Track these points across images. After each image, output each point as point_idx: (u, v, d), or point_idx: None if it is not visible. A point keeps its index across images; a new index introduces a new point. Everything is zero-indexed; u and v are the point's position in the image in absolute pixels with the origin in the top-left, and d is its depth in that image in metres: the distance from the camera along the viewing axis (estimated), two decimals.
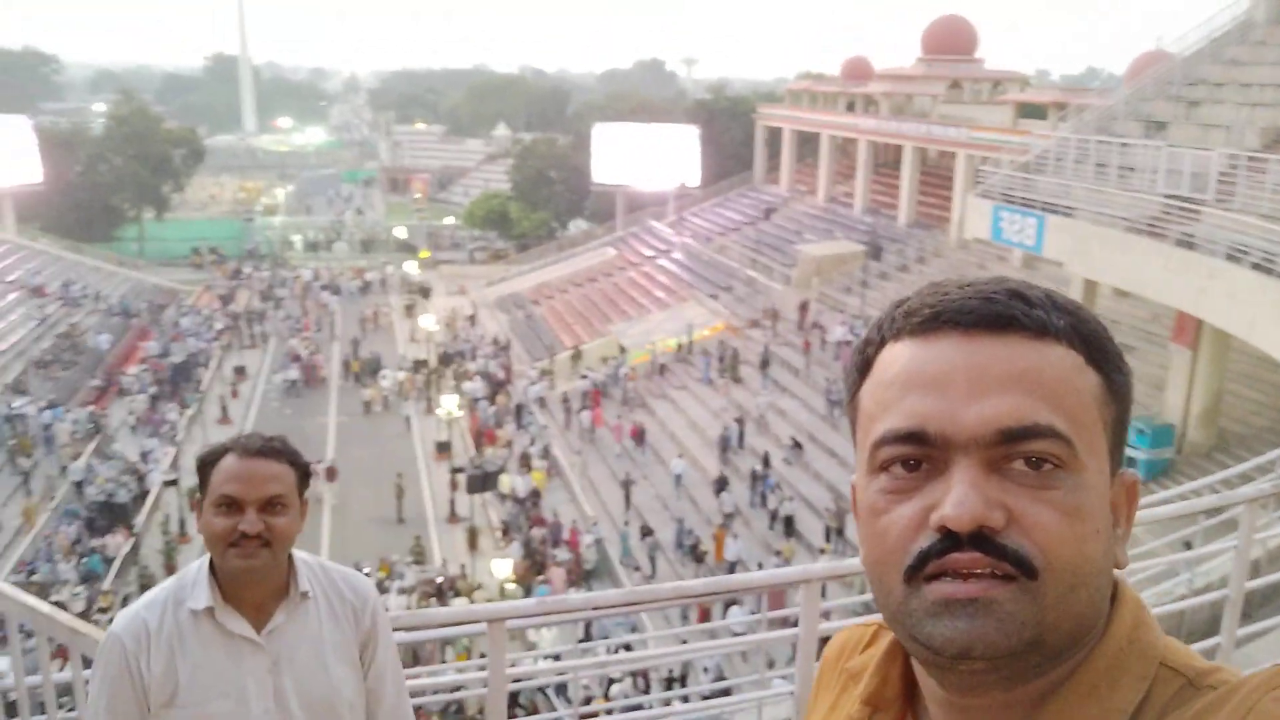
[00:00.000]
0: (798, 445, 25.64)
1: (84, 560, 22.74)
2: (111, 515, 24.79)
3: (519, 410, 32.45)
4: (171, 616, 2.13)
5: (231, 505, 2.07)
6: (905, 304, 0.85)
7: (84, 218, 55.13)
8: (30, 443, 27.58)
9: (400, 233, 64.28)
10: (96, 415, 30.78)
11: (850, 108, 46.67)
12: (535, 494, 26.41)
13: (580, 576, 22.34)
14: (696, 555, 22.35)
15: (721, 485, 24.36)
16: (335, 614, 2.26)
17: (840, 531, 21.41)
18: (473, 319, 45.04)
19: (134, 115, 60.34)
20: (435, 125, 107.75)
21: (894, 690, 0.91)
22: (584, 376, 33.94)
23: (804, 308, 33.50)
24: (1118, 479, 0.83)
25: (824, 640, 3.38)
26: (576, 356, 37.00)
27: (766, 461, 24.99)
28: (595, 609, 4.23)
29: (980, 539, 0.74)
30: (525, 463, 28.03)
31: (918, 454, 0.79)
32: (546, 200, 61.12)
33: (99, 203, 56.39)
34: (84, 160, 56.40)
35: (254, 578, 2.13)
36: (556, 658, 13.15)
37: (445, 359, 37.44)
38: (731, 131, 55.74)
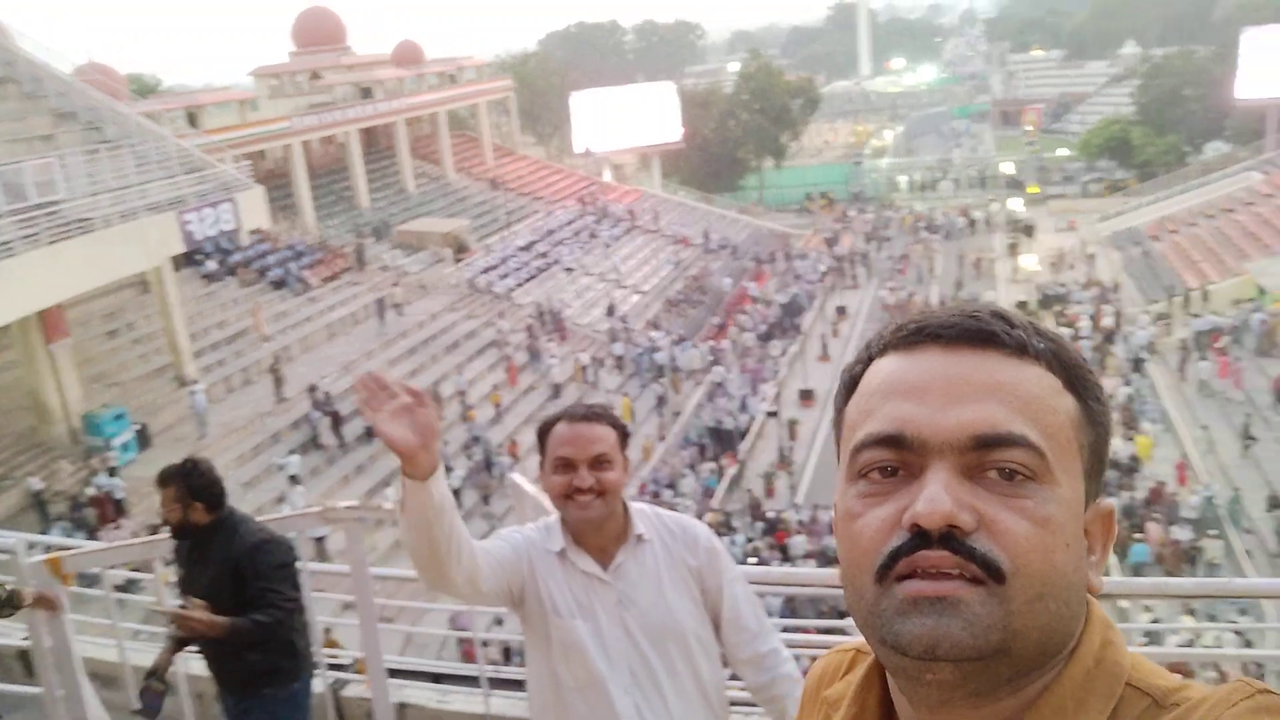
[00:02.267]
0: None
1: (705, 478, 25.65)
2: (720, 441, 27.71)
3: (1136, 362, 29.57)
4: (542, 550, 2.54)
5: (567, 465, 2.41)
6: (894, 323, 0.88)
7: (714, 170, 61.34)
8: (677, 380, 31.43)
9: (1007, 168, 61.82)
10: (715, 349, 34.46)
11: None
12: (1134, 460, 23.97)
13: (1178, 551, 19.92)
14: None
15: None
16: (670, 554, 2.53)
17: None
18: (1091, 258, 41.88)
19: (759, 71, 65.28)
20: (1054, 50, 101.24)
21: (871, 718, 0.91)
22: (1196, 315, 30.19)
23: None
24: (1094, 507, 0.85)
25: None
26: (1203, 298, 32.82)
27: None
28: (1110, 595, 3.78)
29: (949, 539, 0.76)
30: (1130, 424, 25.53)
31: (895, 459, 0.81)
32: (1177, 122, 54.61)
33: (727, 155, 62.23)
34: (716, 117, 62.53)
35: (592, 525, 2.46)
36: None
37: (1045, 301, 35.53)
38: None
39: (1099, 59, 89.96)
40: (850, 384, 0.89)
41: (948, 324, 0.83)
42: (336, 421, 23.54)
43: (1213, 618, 15.28)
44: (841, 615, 16.21)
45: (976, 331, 0.82)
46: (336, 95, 47.36)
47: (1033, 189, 56.80)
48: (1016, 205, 51.80)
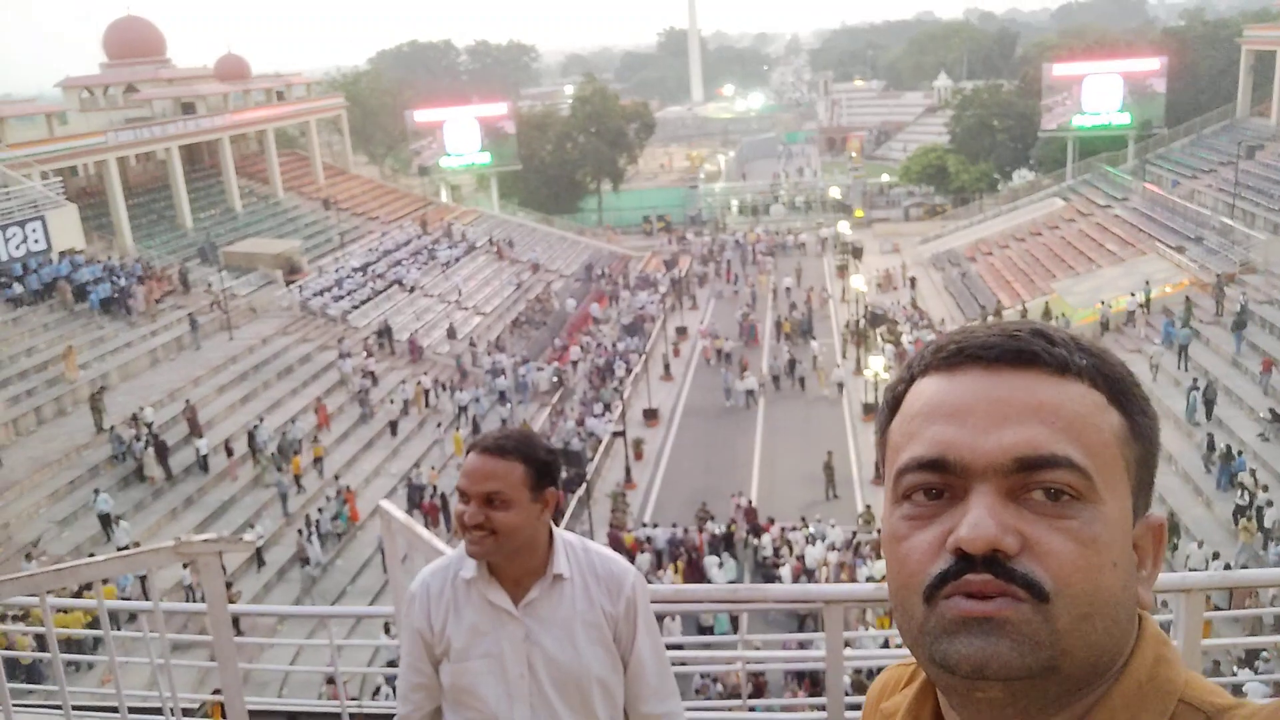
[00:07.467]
0: (1278, 419, 22.31)
1: None
2: (567, 461, 27.65)
3: None
4: (450, 582, 2.39)
5: (463, 496, 2.29)
6: (935, 343, 0.88)
7: (553, 192, 61.41)
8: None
9: (835, 192, 64.35)
10: (560, 370, 34.41)
11: None
12: None
13: None
14: None
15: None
16: (590, 595, 2.38)
17: None
18: (914, 281, 44.01)
19: (595, 95, 65.88)
20: (873, 81, 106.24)
21: None
22: None
23: None
24: (1143, 521, 0.84)
25: None
26: (1021, 316, 34.97)
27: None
28: None
29: (993, 563, 0.76)
30: None
31: (939, 482, 0.81)
32: (988, 151, 58.10)
33: (565, 177, 62.44)
34: (554, 139, 62.69)
35: (484, 560, 2.34)
36: None
37: (874, 320, 37.08)
38: (1209, 61, 49.23)
39: (914, 90, 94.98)
40: (893, 404, 0.89)
41: (988, 345, 0.83)
42: (161, 452, 22.23)
43: None
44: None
45: (1017, 352, 0.82)
46: (156, 110, 45.07)
47: (858, 213, 59.25)
48: (844, 228, 53.90)
